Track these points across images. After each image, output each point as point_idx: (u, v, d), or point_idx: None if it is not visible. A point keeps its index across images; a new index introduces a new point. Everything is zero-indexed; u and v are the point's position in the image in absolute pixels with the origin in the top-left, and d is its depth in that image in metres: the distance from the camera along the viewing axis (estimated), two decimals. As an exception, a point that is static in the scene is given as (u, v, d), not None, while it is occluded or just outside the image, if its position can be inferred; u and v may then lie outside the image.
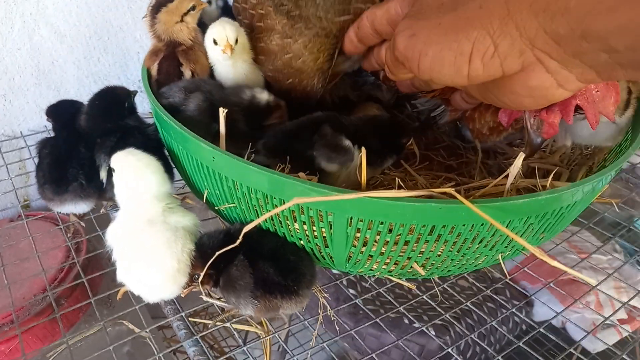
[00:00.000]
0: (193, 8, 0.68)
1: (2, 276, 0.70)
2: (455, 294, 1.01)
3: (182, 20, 0.67)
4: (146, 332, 0.61)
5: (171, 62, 0.67)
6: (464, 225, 0.47)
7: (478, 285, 1.03)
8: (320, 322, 0.67)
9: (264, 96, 0.63)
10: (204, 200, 0.60)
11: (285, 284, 0.52)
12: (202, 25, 0.69)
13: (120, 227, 0.55)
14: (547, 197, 0.47)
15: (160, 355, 0.57)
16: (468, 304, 0.81)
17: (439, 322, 1.02)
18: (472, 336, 0.86)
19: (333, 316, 0.66)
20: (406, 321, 1.03)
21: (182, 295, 0.55)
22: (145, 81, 0.66)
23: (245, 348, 0.58)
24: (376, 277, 0.64)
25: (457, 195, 0.44)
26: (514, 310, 0.85)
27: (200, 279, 0.52)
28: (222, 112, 0.54)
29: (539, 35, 0.36)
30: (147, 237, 0.52)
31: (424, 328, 0.76)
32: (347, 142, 0.57)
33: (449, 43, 0.40)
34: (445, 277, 0.72)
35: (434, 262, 0.54)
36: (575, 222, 0.96)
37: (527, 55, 0.37)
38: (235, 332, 0.60)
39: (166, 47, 0.68)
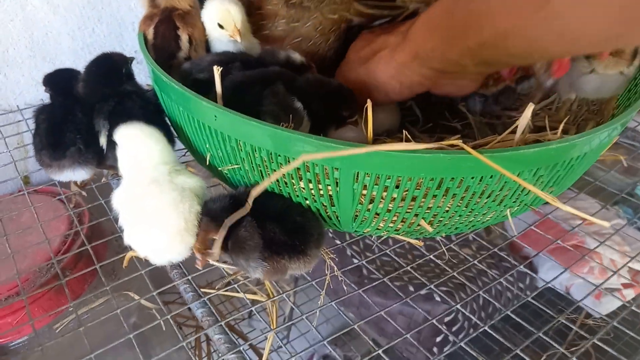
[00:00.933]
0: None
1: (5, 247, 0.69)
2: (461, 262, 1.01)
3: None
4: (153, 306, 0.61)
5: (167, 25, 0.66)
6: (472, 177, 0.47)
7: (483, 252, 1.04)
8: (326, 289, 0.66)
9: (297, 56, 0.62)
10: (207, 164, 0.59)
11: (293, 244, 0.52)
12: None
13: (125, 190, 0.54)
14: (557, 147, 0.46)
15: (166, 318, 0.56)
16: (474, 267, 0.81)
17: (445, 289, 1.02)
18: (481, 296, 0.86)
19: (340, 276, 0.65)
20: (411, 288, 1.03)
21: (199, 267, 0.54)
22: (142, 46, 0.65)
23: (253, 309, 0.58)
24: (382, 238, 0.63)
25: (465, 146, 0.43)
26: (521, 268, 0.85)
27: (217, 243, 0.51)
28: (217, 70, 0.53)
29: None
30: (153, 197, 0.51)
31: (430, 291, 0.76)
32: (299, 104, 0.55)
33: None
34: (452, 235, 0.72)
35: (441, 219, 0.53)
36: (579, 189, 0.96)
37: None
38: (244, 295, 0.59)
39: (162, 12, 0.67)
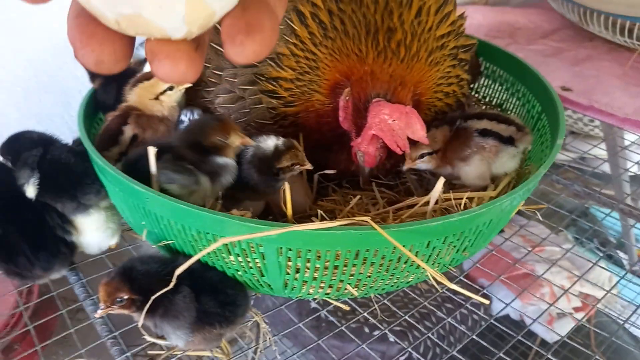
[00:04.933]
0: (171, 88, 0.70)
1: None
2: (416, 297, 1.04)
3: (157, 99, 0.70)
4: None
5: (118, 120, 0.69)
6: (386, 247, 0.50)
7: (437, 287, 1.07)
8: (287, 335, 0.69)
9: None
10: (144, 238, 0.62)
11: (225, 315, 0.55)
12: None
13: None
14: (460, 219, 0.50)
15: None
16: (426, 304, 0.84)
17: (398, 328, 1.05)
18: (431, 336, 0.89)
19: (272, 344, 0.68)
20: (367, 330, 1.06)
21: (97, 316, 0.55)
22: (82, 133, 0.65)
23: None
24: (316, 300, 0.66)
25: (372, 223, 0.47)
26: (470, 306, 0.88)
27: (143, 314, 0.53)
28: (152, 151, 0.56)
29: None
30: None
31: (384, 332, 0.78)
32: (189, 166, 0.58)
33: None
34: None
35: (366, 283, 0.56)
36: (526, 215, 1.00)
37: None
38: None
39: (122, 109, 0.70)
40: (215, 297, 0.55)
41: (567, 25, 1.25)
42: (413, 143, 0.61)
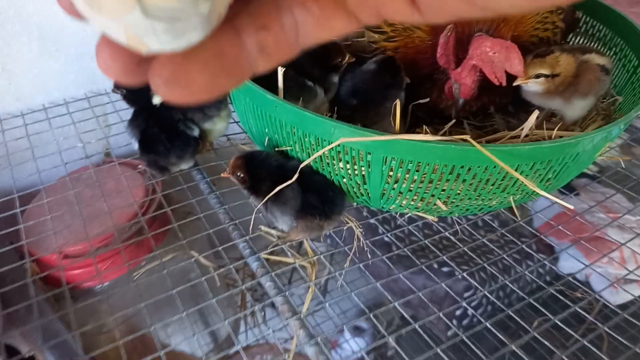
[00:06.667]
0: None
1: (93, 208, 0.86)
2: (487, 243, 1.11)
3: None
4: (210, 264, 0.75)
5: None
6: (478, 166, 0.58)
7: (507, 237, 1.12)
8: (361, 265, 0.79)
9: None
10: (264, 145, 0.72)
11: (323, 210, 0.67)
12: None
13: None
14: (550, 146, 0.56)
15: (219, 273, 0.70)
16: (495, 251, 0.91)
17: (466, 267, 1.12)
18: (497, 280, 0.96)
19: (367, 247, 0.77)
20: (435, 266, 1.14)
21: (222, 175, 0.69)
22: None
23: (297, 264, 0.71)
24: (403, 217, 0.75)
25: (472, 140, 0.54)
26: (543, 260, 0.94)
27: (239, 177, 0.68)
28: (280, 70, 0.66)
29: None
30: None
31: (452, 269, 0.87)
32: (309, 83, 0.69)
33: None
34: (466, 216, 0.82)
35: (454, 200, 0.64)
36: (607, 184, 1.03)
37: None
38: (288, 252, 0.73)
39: None
40: (318, 195, 0.66)
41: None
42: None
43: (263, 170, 0.67)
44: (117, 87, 0.82)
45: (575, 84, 0.67)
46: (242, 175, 0.67)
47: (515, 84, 0.68)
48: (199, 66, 0.19)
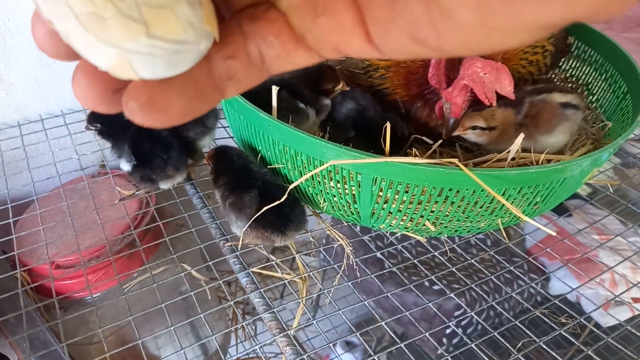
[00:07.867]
0: None
1: (87, 219, 0.86)
2: (476, 264, 1.12)
3: None
4: (201, 277, 0.76)
5: None
6: (466, 189, 0.58)
7: (498, 258, 1.13)
8: (352, 282, 0.79)
9: None
10: (258, 160, 0.73)
11: (277, 224, 0.67)
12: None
13: None
14: (537, 171, 0.57)
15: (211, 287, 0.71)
16: (485, 270, 0.92)
17: (457, 286, 1.13)
18: (488, 299, 0.97)
19: (356, 266, 0.78)
20: (427, 284, 1.14)
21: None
22: None
23: (286, 282, 0.71)
24: (395, 234, 0.76)
25: (460, 164, 0.55)
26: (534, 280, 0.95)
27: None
28: (275, 89, 0.67)
29: None
30: None
31: (443, 288, 0.87)
32: (302, 105, 0.71)
33: None
34: (456, 236, 0.83)
35: (442, 221, 0.65)
36: (599, 206, 1.04)
37: None
38: (278, 269, 0.73)
39: None
40: (275, 209, 0.65)
41: (669, 17, 1.24)
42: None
43: (225, 166, 0.70)
44: (90, 123, 0.81)
45: (535, 124, 0.70)
46: (210, 165, 0.71)
47: (454, 134, 0.71)
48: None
